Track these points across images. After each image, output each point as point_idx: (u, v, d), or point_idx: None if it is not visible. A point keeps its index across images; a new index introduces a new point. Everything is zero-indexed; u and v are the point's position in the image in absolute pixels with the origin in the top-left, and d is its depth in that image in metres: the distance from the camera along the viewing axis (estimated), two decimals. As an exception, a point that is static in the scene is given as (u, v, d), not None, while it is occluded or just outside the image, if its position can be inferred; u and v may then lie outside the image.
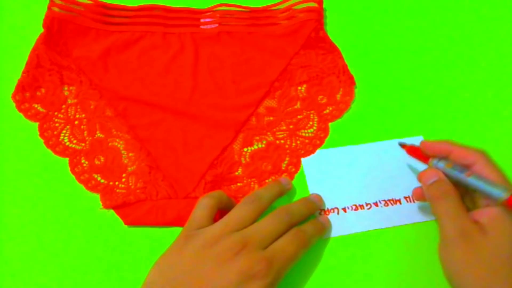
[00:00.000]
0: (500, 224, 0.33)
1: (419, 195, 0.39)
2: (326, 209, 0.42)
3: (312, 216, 0.41)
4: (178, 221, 0.41)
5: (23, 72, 0.45)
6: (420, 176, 0.37)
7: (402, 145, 0.41)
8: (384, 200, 0.42)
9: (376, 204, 0.42)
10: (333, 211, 0.41)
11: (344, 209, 0.41)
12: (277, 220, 0.37)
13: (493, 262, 0.32)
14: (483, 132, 0.45)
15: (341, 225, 0.41)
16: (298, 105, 0.46)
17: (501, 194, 0.33)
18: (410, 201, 0.42)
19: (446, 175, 0.36)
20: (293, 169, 0.44)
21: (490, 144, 0.44)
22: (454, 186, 0.35)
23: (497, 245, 0.32)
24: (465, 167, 0.36)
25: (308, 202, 0.41)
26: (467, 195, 0.37)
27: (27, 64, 0.46)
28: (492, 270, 0.32)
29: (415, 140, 0.42)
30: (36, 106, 0.45)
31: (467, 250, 0.33)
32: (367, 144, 0.44)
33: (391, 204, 0.42)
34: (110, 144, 0.44)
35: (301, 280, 0.39)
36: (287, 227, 0.37)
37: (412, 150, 0.40)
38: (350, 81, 0.46)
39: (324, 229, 0.40)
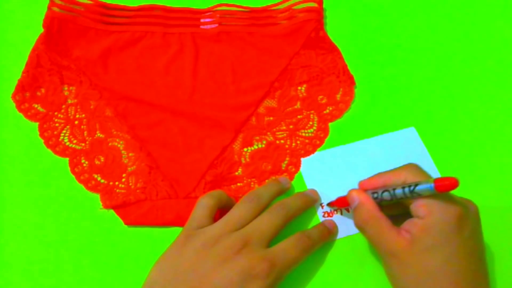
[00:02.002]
0: (426, 235, 0.33)
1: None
2: (329, 211, 0.41)
3: (317, 219, 0.41)
4: (178, 221, 0.41)
5: (23, 72, 0.45)
6: (348, 200, 0.38)
7: (329, 204, 0.41)
8: None
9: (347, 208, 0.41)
10: (336, 212, 0.41)
11: (347, 209, 0.41)
12: (274, 216, 0.37)
13: (420, 275, 0.33)
14: (483, 131, 0.45)
15: (345, 226, 0.41)
16: (298, 105, 0.46)
17: (427, 183, 0.33)
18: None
19: (383, 200, 0.36)
20: (293, 169, 0.44)
21: (493, 146, 0.44)
22: (375, 207, 0.35)
23: (423, 257, 0.33)
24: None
25: (303, 195, 0.41)
26: (406, 209, 0.37)
27: (27, 64, 0.46)
28: (421, 283, 0.33)
29: (407, 132, 0.44)
30: (36, 106, 0.45)
31: (397, 266, 0.34)
32: (362, 140, 0.44)
33: None
34: (110, 144, 0.44)
35: (306, 280, 0.39)
36: (284, 221, 0.37)
37: (340, 202, 0.40)
38: (350, 81, 0.46)
39: (330, 234, 0.40)
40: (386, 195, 0.35)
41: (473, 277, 0.33)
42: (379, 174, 0.37)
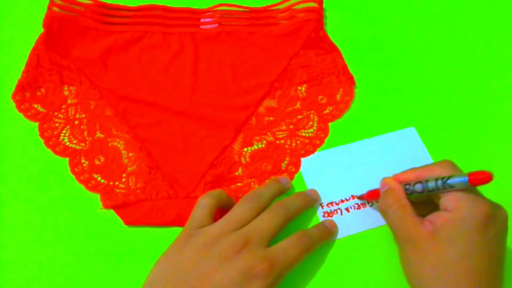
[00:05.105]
0: (450, 228, 0.33)
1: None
2: (329, 211, 0.41)
3: (317, 218, 0.41)
4: (178, 221, 0.41)
5: (23, 72, 0.45)
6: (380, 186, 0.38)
7: (360, 197, 0.41)
8: None
9: (377, 200, 0.42)
10: (336, 212, 0.41)
11: (347, 209, 0.41)
12: (274, 215, 0.37)
13: (438, 265, 0.33)
14: (483, 131, 0.45)
15: (345, 226, 0.41)
16: (298, 105, 0.46)
17: (461, 176, 0.33)
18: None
19: (414, 192, 0.36)
20: (293, 169, 0.44)
21: (493, 146, 0.44)
22: (403, 194, 0.36)
23: (444, 248, 0.33)
24: None
25: (304, 195, 0.41)
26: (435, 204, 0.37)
27: (27, 64, 0.46)
28: (437, 272, 0.33)
29: (407, 132, 0.44)
30: (36, 106, 0.45)
31: (415, 254, 0.34)
32: (362, 140, 0.45)
33: None
34: (110, 144, 0.44)
35: (306, 280, 0.39)
36: (284, 221, 0.37)
37: (371, 195, 0.40)
38: (350, 81, 0.46)
39: (330, 234, 0.40)
40: (418, 186, 0.35)
41: (488, 279, 0.33)
42: (413, 169, 0.37)
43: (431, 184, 0.34)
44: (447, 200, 0.34)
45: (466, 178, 0.32)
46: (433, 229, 0.33)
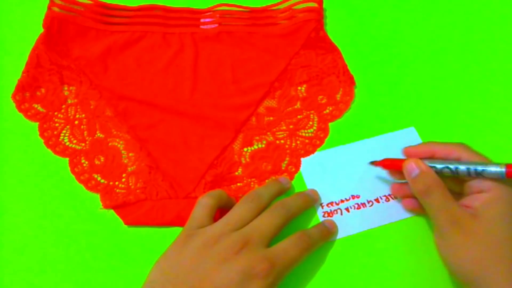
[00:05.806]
0: (492, 207, 0.34)
1: (396, 191, 0.41)
2: (329, 211, 0.41)
3: (317, 219, 0.41)
4: (178, 221, 0.41)
5: (23, 72, 0.45)
6: (403, 169, 0.38)
7: (374, 163, 0.41)
8: (385, 196, 0.42)
9: (377, 200, 0.42)
10: (336, 212, 0.41)
11: (347, 209, 0.41)
12: (275, 215, 0.37)
13: (488, 243, 0.33)
14: (483, 132, 0.45)
15: (345, 226, 0.41)
16: (298, 105, 0.46)
17: (498, 167, 0.34)
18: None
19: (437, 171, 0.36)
20: (293, 169, 0.44)
21: (493, 146, 0.44)
22: (438, 176, 0.36)
23: (490, 227, 0.33)
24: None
25: (304, 195, 0.41)
26: (455, 185, 0.37)
27: (27, 64, 0.46)
28: (487, 251, 0.33)
29: (407, 132, 0.44)
30: (36, 106, 0.45)
31: (461, 235, 0.34)
32: (362, 140, 0.44)
33: (392, 198, 0.42)
34: (110, 144, 0.44)
35: (306, 280, 0.39)
36: (284, 221, 0.37)
37: (386, 164, 0.40)
38: (350, 81, 0.46)
39: (330, 234, 0.40)
40: (446, 171, 0.36)
41: None
42: (426, 143, 0.38)
43: (463, 170, 0.35)
44: (481, 182, 0.35)
45: (504, 170, 0.33)
46: (473, 211, 0.34)
